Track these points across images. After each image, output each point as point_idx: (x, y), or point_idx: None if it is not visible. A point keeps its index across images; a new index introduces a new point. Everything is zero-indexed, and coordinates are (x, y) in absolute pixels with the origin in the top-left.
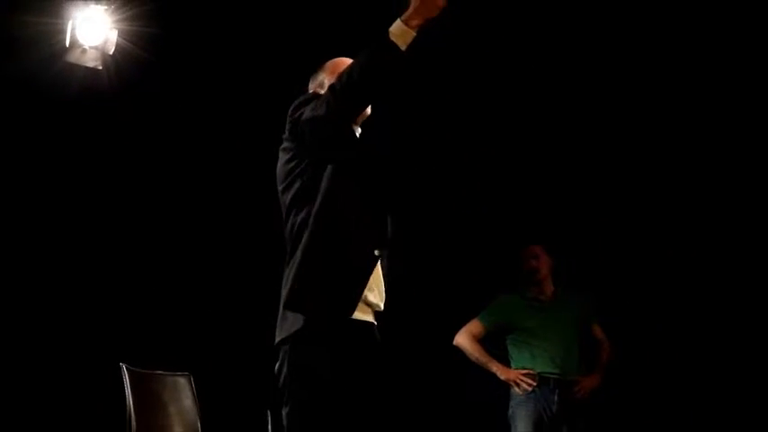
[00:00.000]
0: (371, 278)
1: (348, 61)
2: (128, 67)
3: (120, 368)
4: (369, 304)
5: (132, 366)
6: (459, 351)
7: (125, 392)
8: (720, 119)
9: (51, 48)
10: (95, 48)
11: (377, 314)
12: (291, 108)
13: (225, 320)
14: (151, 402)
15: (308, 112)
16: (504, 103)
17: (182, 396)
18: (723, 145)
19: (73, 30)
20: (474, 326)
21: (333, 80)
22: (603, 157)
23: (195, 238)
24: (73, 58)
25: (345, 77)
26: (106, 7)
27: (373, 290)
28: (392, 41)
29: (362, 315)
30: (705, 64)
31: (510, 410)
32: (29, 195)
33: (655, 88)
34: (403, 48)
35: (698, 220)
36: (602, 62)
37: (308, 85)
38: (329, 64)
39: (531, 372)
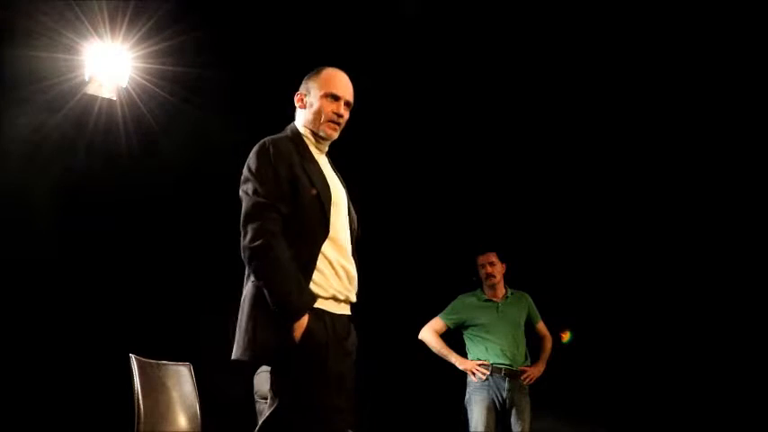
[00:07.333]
0: (351, 280)
1: (341, 77)
2: (137, 95)
3: (128, 358)
4: (349, 303)
5: (139, 356)
6: (423, 344)
7: (133, 379)
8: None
9: (75, 80)
10: (111, 81)
11: (351, 306)
12: (248, 159)
13: (219, 319)
14: (156, 388)
15: (244, 205)
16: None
17: (183, 383)
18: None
19: (92, 66)
20: (436, 323)
21: (319, 89)
22: (555, 170)
23: (197, 248)
24: (92, 89)
25: (262, 281)
26: (120, 48)
27: (351, 290)
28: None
29: (341, 310)
30: (646, 72)
31: (467, 396)
32: (57, 206)
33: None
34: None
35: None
36: (546, 74)
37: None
38: (323, 76)
39: (485, 362)
